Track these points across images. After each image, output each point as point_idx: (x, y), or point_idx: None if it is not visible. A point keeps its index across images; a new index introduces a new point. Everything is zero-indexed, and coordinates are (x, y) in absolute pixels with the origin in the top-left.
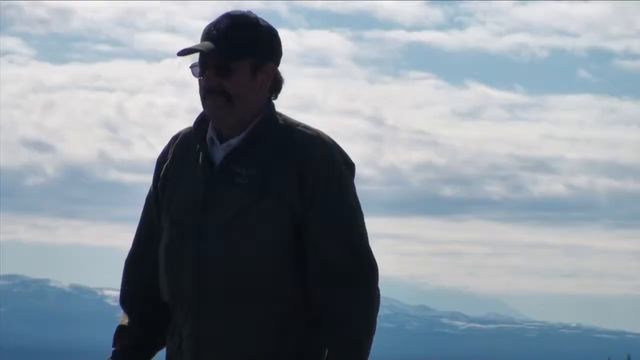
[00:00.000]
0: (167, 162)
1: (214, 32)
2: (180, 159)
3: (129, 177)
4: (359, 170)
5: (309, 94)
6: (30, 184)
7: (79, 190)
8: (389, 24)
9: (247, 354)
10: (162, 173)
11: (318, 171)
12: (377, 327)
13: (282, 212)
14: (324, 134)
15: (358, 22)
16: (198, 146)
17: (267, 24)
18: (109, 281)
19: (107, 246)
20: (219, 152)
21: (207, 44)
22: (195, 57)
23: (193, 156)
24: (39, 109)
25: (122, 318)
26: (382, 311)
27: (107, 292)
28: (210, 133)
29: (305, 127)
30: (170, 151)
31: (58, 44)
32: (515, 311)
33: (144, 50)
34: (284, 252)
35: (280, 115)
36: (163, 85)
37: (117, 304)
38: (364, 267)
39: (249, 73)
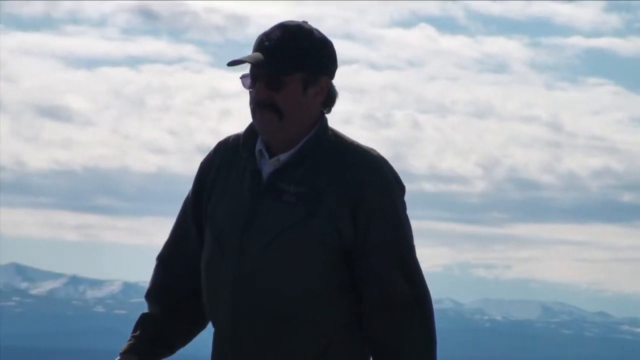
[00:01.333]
0: (213, 169)
1: (266, 43)
2: (227, 168)
3: None
4: (537, 177)
5: (487, 101)
6: None
7: None
8: (566, 31)
9: None
10: (206, 180)
11: (373, 196)
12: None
13: (329, 234)
14: (377, 154)
15: (535, 29)
16: (246, 158)
17: (322, 35)
18: None
19: None
20: (268, 167)
21: (258, 55)
22: (246, 67)
23: (240, 167)
24: (215, 116)
25: (149, 308)
26: (561, 317)
27: None
28: (259, 145)
29: (358, 145)
30: (216, 158)
31: (234, 51)
32: None
33: None
34: (329, 276)
35: (332, 131)
36: (339, 92)
37: None
38: (420, 294)
39: (301, 87)
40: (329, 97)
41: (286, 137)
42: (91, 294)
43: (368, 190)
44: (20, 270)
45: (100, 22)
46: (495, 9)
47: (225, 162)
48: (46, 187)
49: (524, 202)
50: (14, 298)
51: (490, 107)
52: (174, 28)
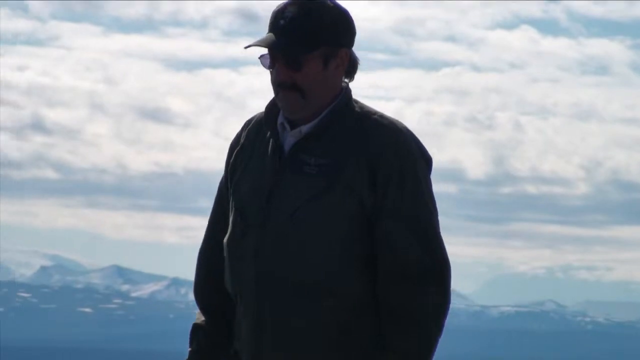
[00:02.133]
0: (238, 147)
1: (282, 21)
2: (251, 144)
3: None
4: (639, 179)
5: (589, 103)
6: None
7: None
8: None
9: (311, 353)
10: (232, 159)
11: (392, 164)
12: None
13: (350, 204)
14: (402, 124)
15: (638, 30)
16: (269, 132)
17: (336, 4)
18: None
19: None
20: (289, 139)
21: (271, 37)
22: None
23: (264, 142)
24: None
25: (197, 315)
26: None
27: None
28: (281, 118)
29: (382, 116)
30: (242, 136)
31: None
32: None
33: (423, 59)
34: (351, 247)
35: (357, 102)
36: (442, 94)
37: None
38: (439, 265)
39: (321, 63)
40: (351, 67)
41: (310, 114)
42: (193, 296)
43: (387, 155)
44: (122, 273)
45: (202, 24)
46: (597, 10)
47: (249, 138)
48: (147, 189)
49: (625, 204)
50: (115, 300)
51: (592, 109)
52: None
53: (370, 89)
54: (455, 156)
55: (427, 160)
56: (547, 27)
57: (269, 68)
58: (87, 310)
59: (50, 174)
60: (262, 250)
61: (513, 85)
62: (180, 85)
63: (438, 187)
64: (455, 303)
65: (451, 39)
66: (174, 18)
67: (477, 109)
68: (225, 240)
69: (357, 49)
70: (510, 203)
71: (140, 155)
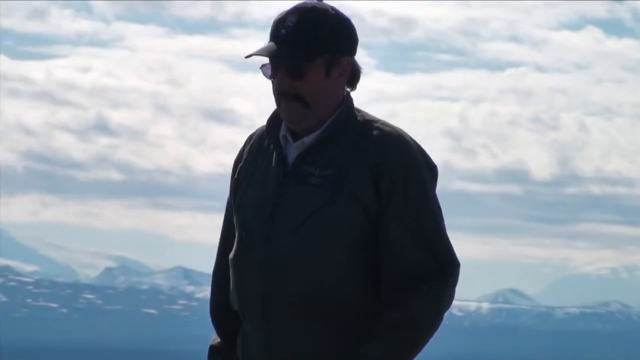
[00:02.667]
0: (241, 163)
1: (283, 30)
2: (254, 159)
3: (473, 187)
4: None
5: None
6: None
7: None
8: None
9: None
10: (236, 175)
11: (395, 172)
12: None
13: (355, 214)
14: (405, 133)
15: None
16: (271, 145)
17: (338, 12)
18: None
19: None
20: (293, 151)
21: (273, 46)
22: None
23: (266, 155)
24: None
25: (213, 337)
26: None
27: (452, 303)
28: (283, 130)
29: (384, 124)
30: (245, 151)
31: (400, 54)
32: None
33: (487, 59)
34: (357, 257)
35: (359, 111)
36: (506, 95)
37: (463, 313)
38: (444, 266)
39: (323, 72)
40: (353, 76)
41: (313, 124)
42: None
43: (390, 163)
44: (187, 274)
45: (266, 25)
46: None
47: (252, 153)
48: (212, 190)
49: None
50: (180, 301)
51: None
52: None
53: (434, 89)
54: (520, 157)
55: (431, 168)
56: (612, 27)
57: (270, 78)
58: (152, 311)
59: (115, 175)
60: (267, 264)
61: (578, 85)
62: (245, 87)
63: (503, 188)
64: (520, 304)
65: (515, 39)
66: (238, 19)
67: (541, 110)
68: (230, 256)
69: (422, 50)
70: (575, 204)
71: (204, 156)
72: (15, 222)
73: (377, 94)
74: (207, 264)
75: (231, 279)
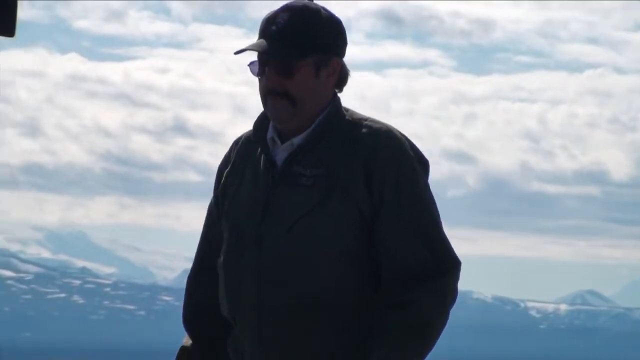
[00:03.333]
0: (228, 167)
1: (273, 27)
2: (241, 163)
3: (551, 189)
4: None
5: None
6: (451, 196)
7: (500, 202)
8: None
9: None
10: (222, 179)
11: (387, 167)
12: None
13: (348, 212)
14: (395, 129)
15: None
16: (259, 148)
17: (330, 13)
18: (532, 293)
19: (531, 257)
20: (281, 153)
21: (263, 43)
22: (254, 54)
23: (254, 158)
24: (460, 120)
25: (185, 339)
26: None
27: (530, 304)
28: (270, 132)
29: (374, 121)
30: (232, 155)
31: (479, 55)
32: None
33: (566, 60)
34: (352, 257)
35: (347, 110)
36: (584, 96)
37: (540, 315)
38: (443, 263)
39: (313, 72)
40: (341, 77)
41: (300, 124)
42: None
43: (382, 159)
44: None
45: (345, 27)
46: None
47: (238, 157)
48: None
49: None
50: None
51: None
52: (419, 32)
53: (513, 91)
54: (598, 158)
55: (423, 164)
56: None
57: (257, 75)
58: None
59: (193, 176)
60: (259, 268)
61: None
62: None
63: (581, 190)
64: (597, 305)
65: (594, 40)
66: None
67: (620, 111)
68: (220, 262)
69: (501, 51)
70: None
71: None
72: (93, 224)
73: (455, 95)
74: None
75: (221, 284)
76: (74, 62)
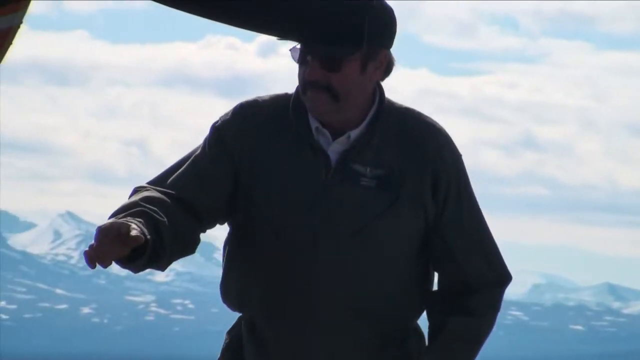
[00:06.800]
0: (248, 136)
1: (321, 17)
2: (269, 142)
3: None
4: None
5: None
6: None
7: None
8: None
9: None
10: (239, 147)
11: (450, 174)
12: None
13: (417, 221)
14: (439, 124)
15: None
16: (304, 135)
17: (380, 1)
18: None
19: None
20: (334, 146)
21: (312, 32)
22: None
23: (290, 142)
24: None
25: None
26: None
27: None
28: (313, 121)
29: (420, 114)
30: (248, 124)
31: None
32: None
33: None
34: (412, 264)
35: (388, 100)
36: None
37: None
38: (499, 276)
39: (359, 67)
40: (387, 69)
41: (341, 118)
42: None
43: (445, 163)
44: (613, 290)
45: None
46: None
47: (264, 133)
48: (638, 206)
49: None
50: (606, 317)
51: None
52: None
53: None
54: None
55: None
56: None
57: (298, 62)
58: (578, 327)
59: (540, 190)
60: (315, 276)
61: None
62: None
63: None
64: None
65: None
66: None
67: None
68: (254, 259)
69: None
70: None
71: (631, 171)
72: None
73: None
74: (633, 280)
75: (243, 280)
76: (423, 78)
